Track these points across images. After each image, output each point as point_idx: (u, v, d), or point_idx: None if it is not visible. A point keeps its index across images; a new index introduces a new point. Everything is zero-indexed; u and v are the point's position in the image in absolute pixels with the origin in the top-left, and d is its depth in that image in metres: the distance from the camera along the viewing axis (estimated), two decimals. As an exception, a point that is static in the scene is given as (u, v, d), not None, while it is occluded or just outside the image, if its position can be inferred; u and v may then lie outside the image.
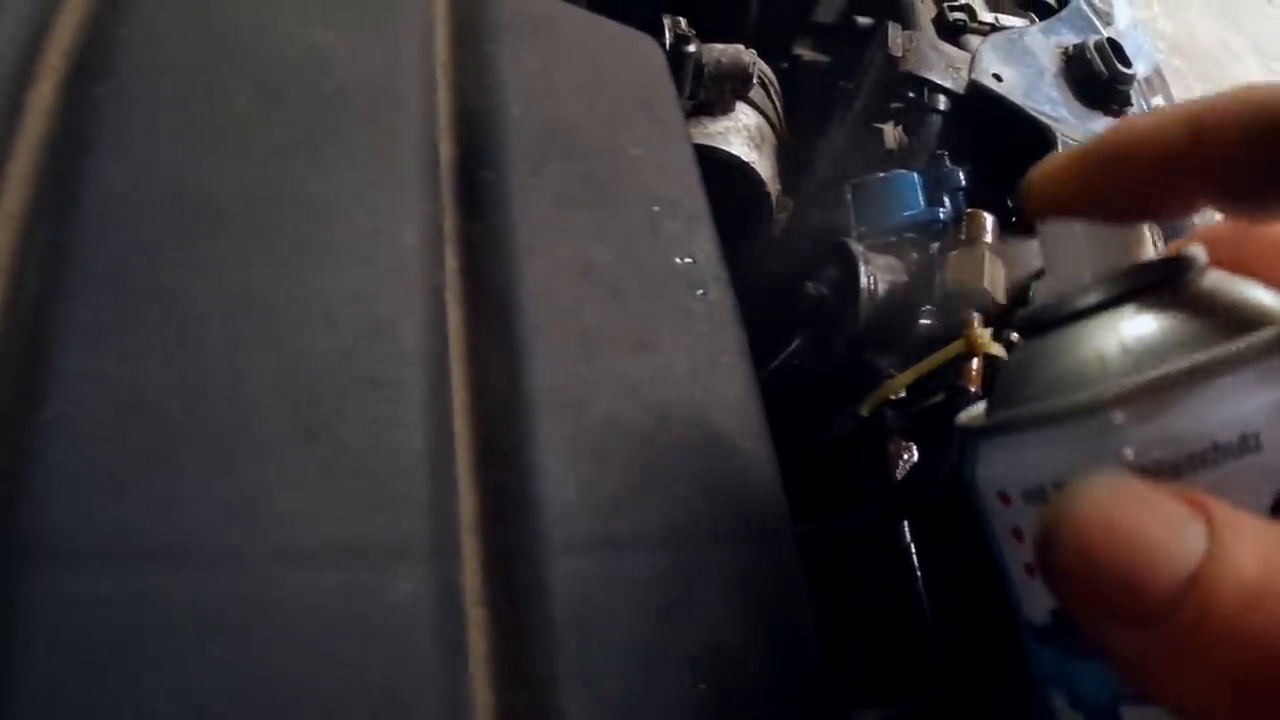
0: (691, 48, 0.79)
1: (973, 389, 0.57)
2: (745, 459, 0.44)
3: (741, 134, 0.85)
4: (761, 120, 0.89)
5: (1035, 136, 0.74)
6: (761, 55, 1.02)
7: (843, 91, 0.93)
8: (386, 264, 0.40)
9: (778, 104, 0.93)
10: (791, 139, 0.97)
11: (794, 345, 0.70)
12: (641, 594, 0.38)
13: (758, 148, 0.85)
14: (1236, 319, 0.24)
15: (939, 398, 0.60)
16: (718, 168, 0.82)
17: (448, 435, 0.38)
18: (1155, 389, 0.22)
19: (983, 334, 0.58)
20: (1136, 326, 0.24)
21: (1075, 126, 0.86)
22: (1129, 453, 0.22)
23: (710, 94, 0.83)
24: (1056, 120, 0.83)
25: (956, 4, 0.97)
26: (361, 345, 0.36)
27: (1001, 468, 0.25)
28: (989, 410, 0.29)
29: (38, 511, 0.28)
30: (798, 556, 0.43)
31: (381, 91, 0.46)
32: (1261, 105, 0.22)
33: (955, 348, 0.58)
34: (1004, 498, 0.25)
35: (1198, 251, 0.27)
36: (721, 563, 0.41)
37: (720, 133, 0.83)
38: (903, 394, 0.64)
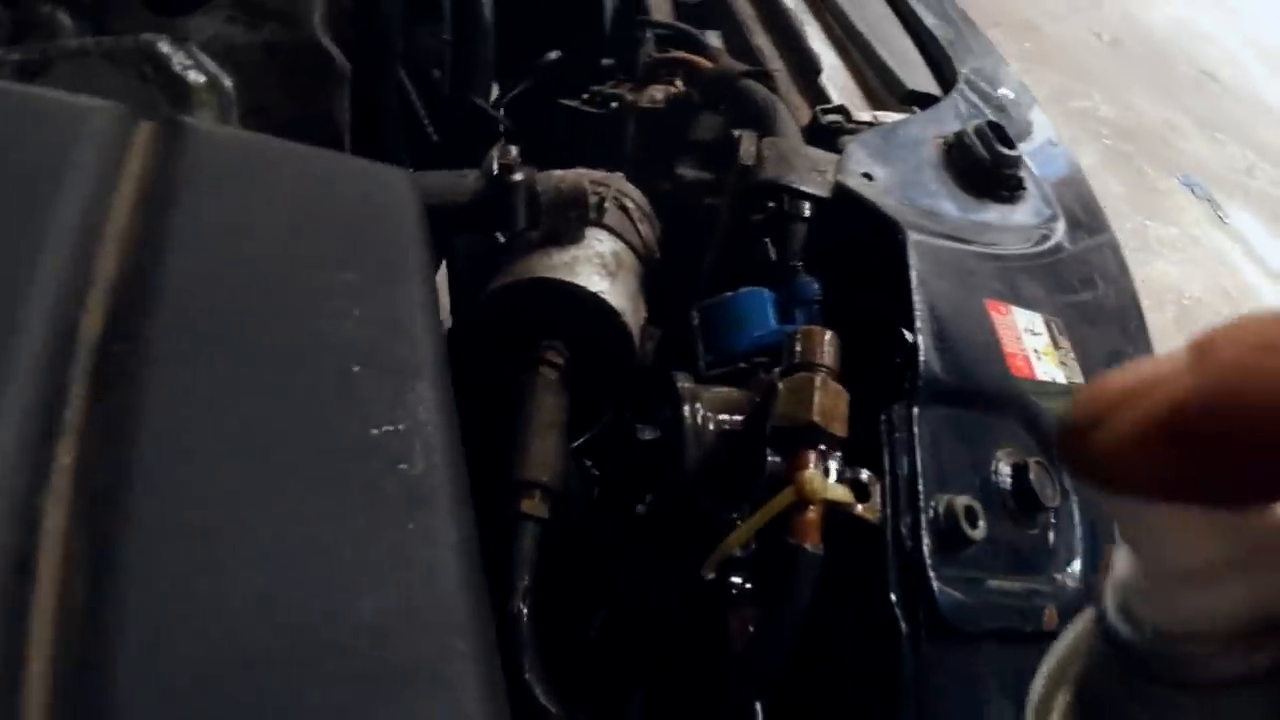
0: (518, 176, 0.73)
1: (808, 546, 0.47)
2: (431, 686, 0.33)
3: (592, 262, 0.77)
4: (620, 246, 0.82)
5: (890, 235, 0.66)
6: (642, 176, 0.97)
7: (709, 208, 0.87)
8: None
9: (644, 227, 0.86)
10: (672, 262, 0.90)
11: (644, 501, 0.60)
12: None
13: (612, 275, 0.77)
14: None
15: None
16: (565, 300, 0.75)
17: (14, 682, 0.29)
18: None
19: (814, 478, 0.48)
20: None
21: (960, 220, 0.79)
22: None
23: (554, 223, 0.77)
24: (936, 215, 0.76)
25: (830, 106, 0.92)
26: None
27: None
28: None
29: None
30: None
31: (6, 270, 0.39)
32: None
33: (785, 497, 0.48)
34: None
35: None
36: None
37: (566, 263, 0.76)
38: (752, 546, 0.54)
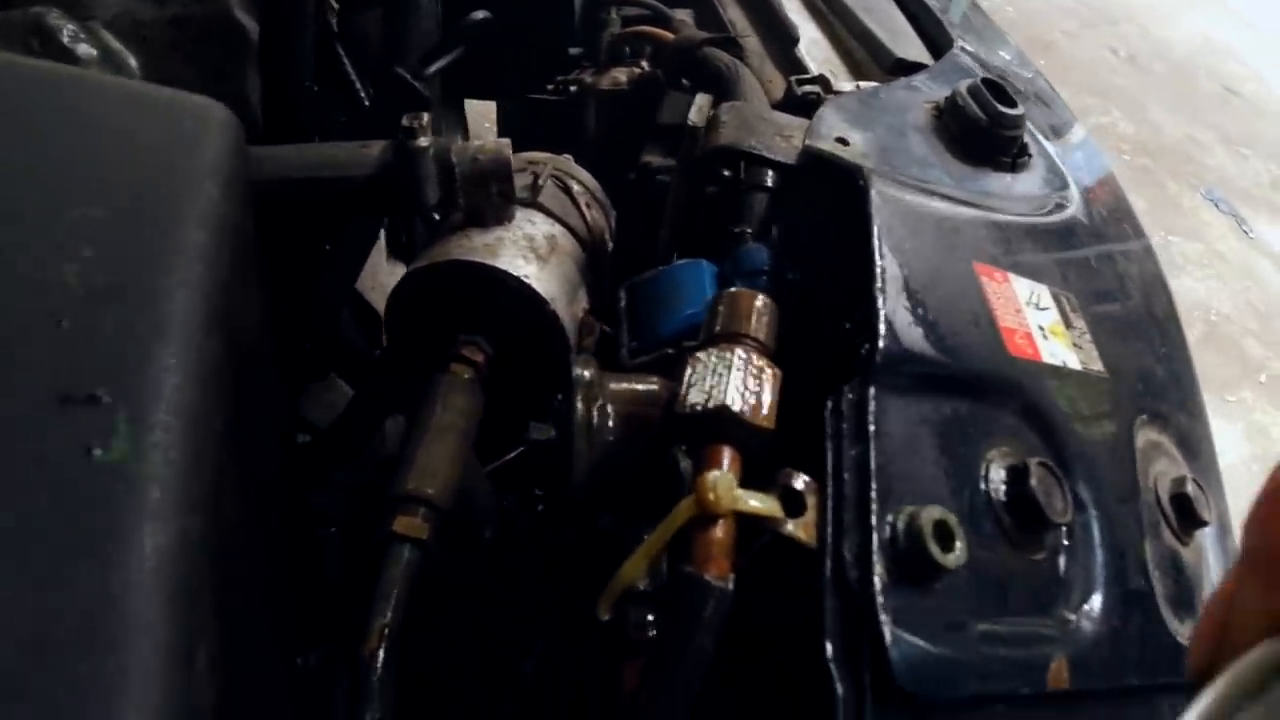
0: (424, 142, 0.62)
1: (710, 577, 0.34)
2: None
3: (519, 244, 0.66)
4: (556, 229, 0.70)
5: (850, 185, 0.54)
6: (606, 165, 0.86)
7: (661, 186, 0.75)
8: None
9: (591, 212, 0.75)
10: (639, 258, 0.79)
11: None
12: None
13: (541, 260, 0.66)
14: None
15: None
16: (484, 287, 0.63)
17: None
18: None
19: (718, 482, 0.35)
20: None
21: (953, 187, 0.67)
22: None
23: (474, 199, 0.66)
24: (926, 181, 0.64)
25: (807, 76, 0.81)
26: None
27: None
28: None
29: None
30: None
31: None
32: None
33: (684, 510, 0.36)
34: None
35: None
36: None
37: (488, 245, 0.65)
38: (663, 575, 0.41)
